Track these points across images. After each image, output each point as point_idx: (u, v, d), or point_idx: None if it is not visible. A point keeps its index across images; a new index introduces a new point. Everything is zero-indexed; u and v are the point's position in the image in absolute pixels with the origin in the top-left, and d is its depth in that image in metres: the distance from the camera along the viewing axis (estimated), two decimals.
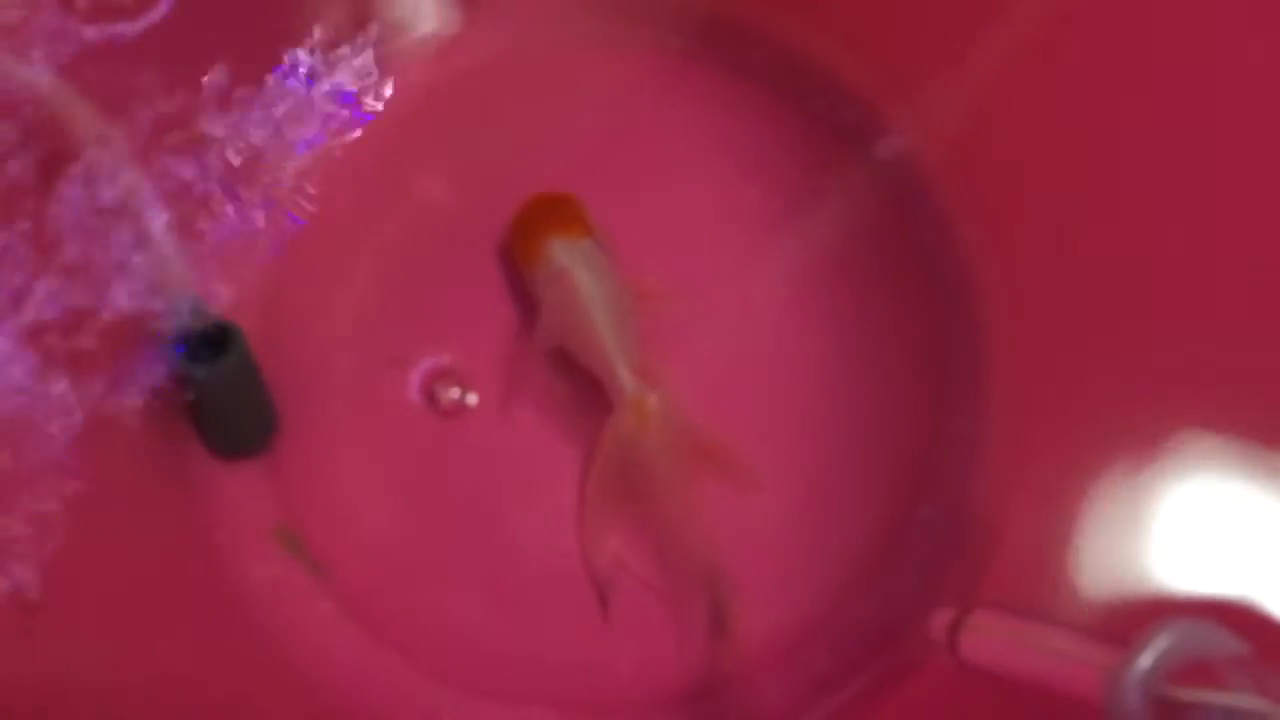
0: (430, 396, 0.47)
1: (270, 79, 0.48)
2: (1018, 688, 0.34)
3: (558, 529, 0.46)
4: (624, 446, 0.45)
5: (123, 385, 0.44)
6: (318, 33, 0.49)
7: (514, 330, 0.48)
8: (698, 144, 0.51)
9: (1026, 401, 0.47)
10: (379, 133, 0.50)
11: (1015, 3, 0.47)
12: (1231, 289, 0.43)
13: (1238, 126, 0.44)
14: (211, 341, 0.43)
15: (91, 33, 0.43)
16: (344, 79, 0.50)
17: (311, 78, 0.49)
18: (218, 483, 0.46)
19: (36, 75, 0.41)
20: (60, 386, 0.42)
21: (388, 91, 0.51)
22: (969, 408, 0.47)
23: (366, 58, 0.50)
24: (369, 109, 0.50)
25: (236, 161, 0.47)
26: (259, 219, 0.48)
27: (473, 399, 0.46)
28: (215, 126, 0.47)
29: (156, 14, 0.44)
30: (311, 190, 0.49)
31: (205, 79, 0.46)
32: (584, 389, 0.46)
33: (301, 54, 0.49)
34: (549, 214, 0.47)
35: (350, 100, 0.50)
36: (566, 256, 0.46)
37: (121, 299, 0.43)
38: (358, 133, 0.50)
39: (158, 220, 0.42)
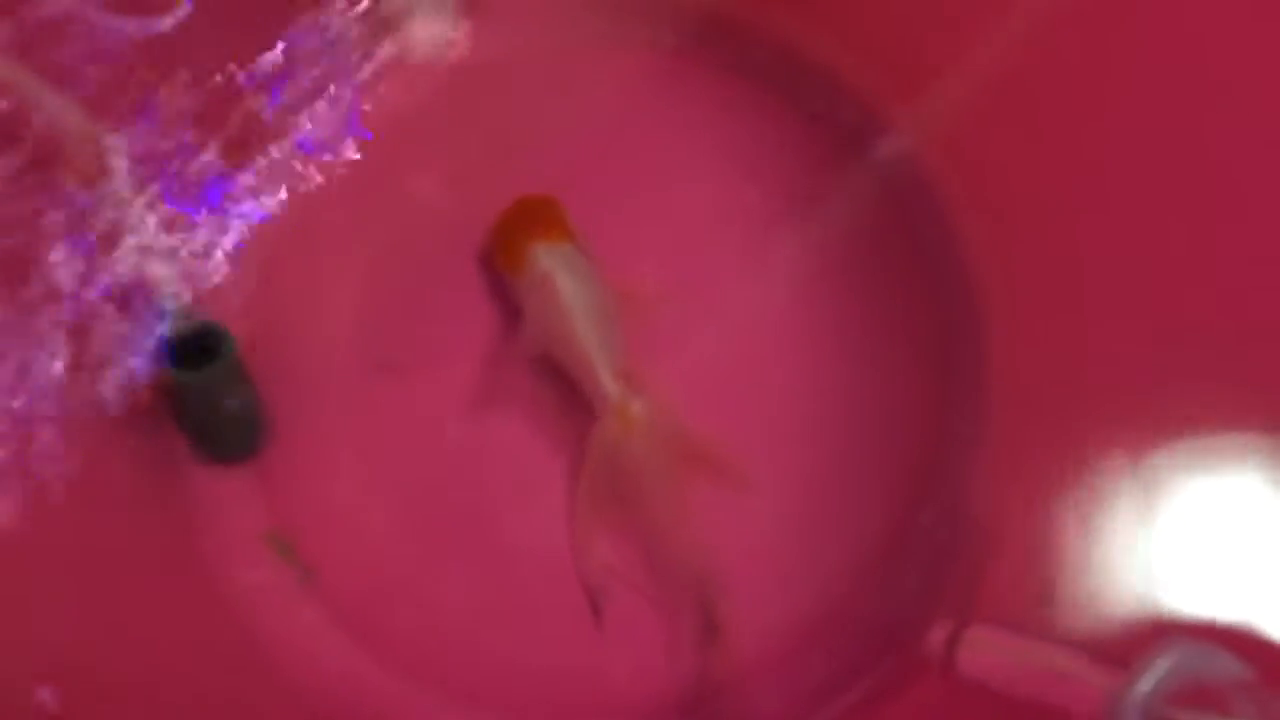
0: None
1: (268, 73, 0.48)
2: (1015, 704, 0.33)
3: (550, 536, 0.46)
4: (610, 453, 0.44)
5: (112, 386, 0.43)
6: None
7: (503, 335, 0.48)
8: (696, 144, 0.50)
9: (1028, 403, 0.46)
10: (372, 133, 0.50)
11: (1015, 1, 0.46)
12: (1236, 286, 0.43)
13: (1238, 122, 0.44)
14: (200, 345, 0.42)
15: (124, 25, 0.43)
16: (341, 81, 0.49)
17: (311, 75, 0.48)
18: (207, 487, 0.45)
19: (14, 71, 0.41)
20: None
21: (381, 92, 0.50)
22: (970, 410, 0.47)
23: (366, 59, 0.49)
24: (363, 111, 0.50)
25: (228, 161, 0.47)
26: (250, 220, 0.47)
27: None
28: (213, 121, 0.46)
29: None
30: (306, 190, 0.48)
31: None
32: (574, 393, 0.46)
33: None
34: (529, 219, 0.47)
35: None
36: (548, 261, 0.45)
37: (109, 301, 0.43)
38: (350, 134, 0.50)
39: (144, 220, 0.41)
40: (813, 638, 0.45)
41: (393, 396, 0.47)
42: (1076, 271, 0.45)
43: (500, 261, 0.47)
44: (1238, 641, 0.34)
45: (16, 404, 0.42)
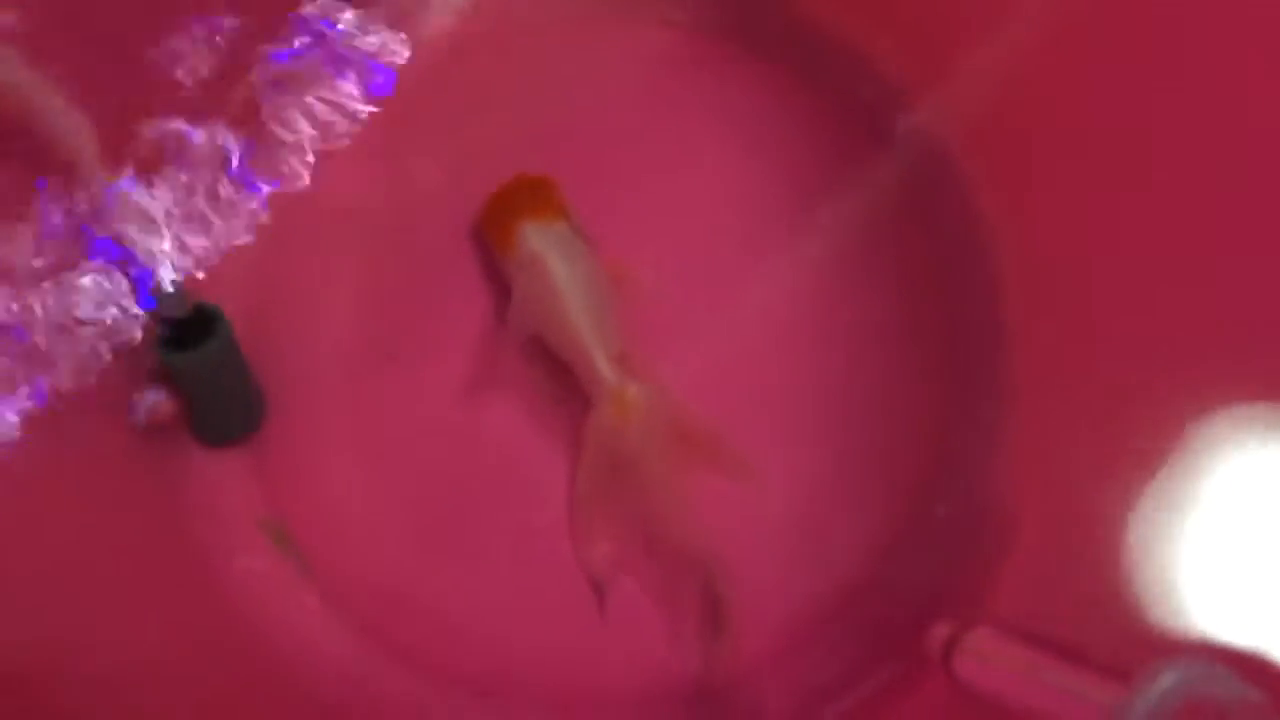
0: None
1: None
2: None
3: (550, 524, 0.45)
4: (608, 440, 0.44)
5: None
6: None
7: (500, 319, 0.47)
8: (707, 125, 0.49)
9: (1048, 392, 0.45)
10: (375, 111, 0.49)
11: None
12: (1264, 270, 0.41)
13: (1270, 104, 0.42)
14: (194, 327, 0.42)
15: None
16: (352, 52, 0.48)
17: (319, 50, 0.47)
18: (203, 471, 0.45)
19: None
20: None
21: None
22: (987, 399, 0.46)
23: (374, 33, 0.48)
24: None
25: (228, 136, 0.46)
26: (251, 198, 0.47)
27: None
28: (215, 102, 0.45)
29: None
30: (304, 170, 0.47)
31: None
32: (571, 378, 0.45)
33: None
34: (521, 198, 0.46)
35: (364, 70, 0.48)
36: (538, 241, 0.44)
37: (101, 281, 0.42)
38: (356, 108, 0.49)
39: (141, 201, 0.40)
40: (821, 632, 0.44)
41: (391, 380, 0.46)
42: (1100, 254, 0.44)
43: (491, 241, 0.46)
44: (1251, 660, 0.32)
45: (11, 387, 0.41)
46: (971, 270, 0.47)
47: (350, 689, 0.44)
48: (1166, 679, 0.27)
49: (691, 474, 0.44)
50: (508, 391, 0.46)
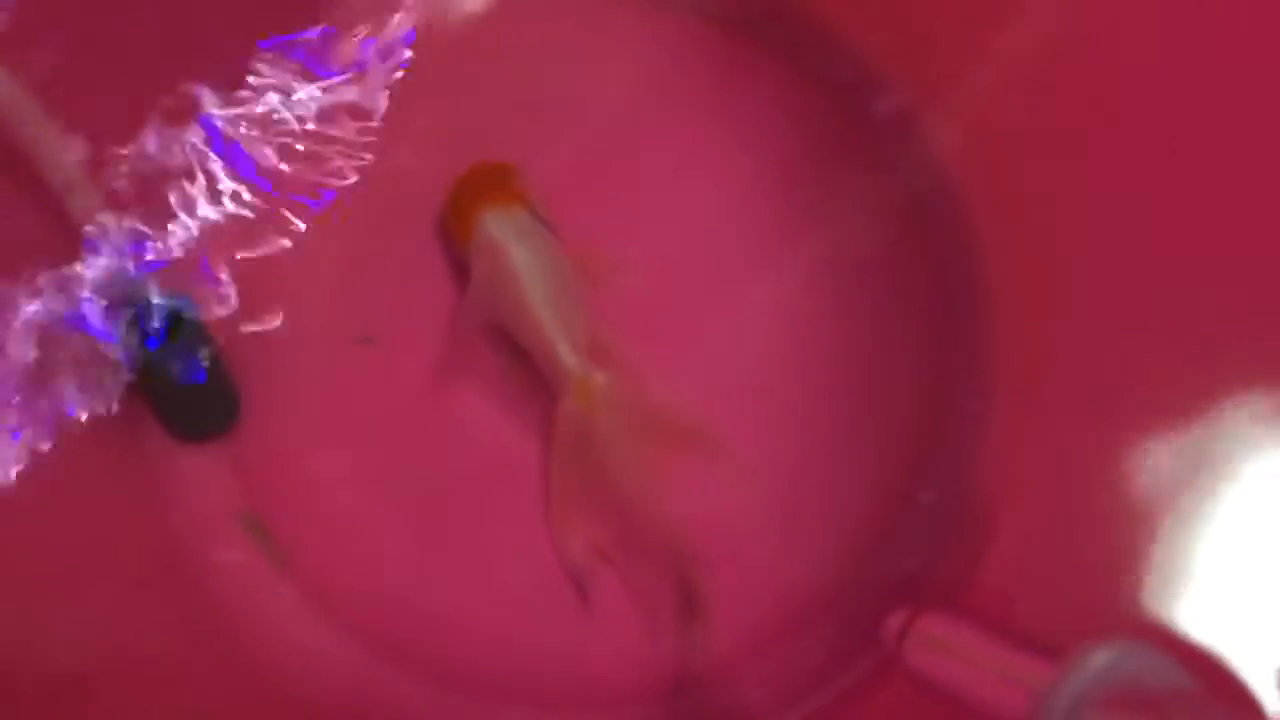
0: None
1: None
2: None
3: (530, 516, 0.44)
4: (577, 429, 0.43)
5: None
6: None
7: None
8: (698, 111, 0.49)
9: (1033, 382, 0.44)
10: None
11: None
12: (1251, 255, 0.41)
13: (1262, 94, 0.41)
14: (163, 320, 0.42)
15: None
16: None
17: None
18: (178, 465, 0.45)
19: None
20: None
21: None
22: (971, 385, 0.45)
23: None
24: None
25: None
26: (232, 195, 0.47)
27: None
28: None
29: None
30: (285, 166, 0.47)
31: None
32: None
33: None
34: (481, 186, 0.45)
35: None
36: (496, 229, 0.44)
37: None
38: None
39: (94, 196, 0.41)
40: (804, 621, 0.43)
41: (369, 372, 0.46)
42: (1086, 252, 0.43)
43: (452, 231, 0.46)
44: (1201, 655, 0.31)
45: None
46: (958, 261, 0.46)
47: (329, 682, 0.43)
48: (1097, 659, 0.26)
49: (668, 460, 0.43)
50: (485, 381, 0.45)
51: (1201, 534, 0.39)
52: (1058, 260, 0.44)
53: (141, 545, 0.44)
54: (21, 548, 0.41)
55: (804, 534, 0.44)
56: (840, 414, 0.45)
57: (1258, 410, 0.39)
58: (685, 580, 0.43)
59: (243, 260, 0.45)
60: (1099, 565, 0.40)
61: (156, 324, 0.42)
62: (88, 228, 0.43)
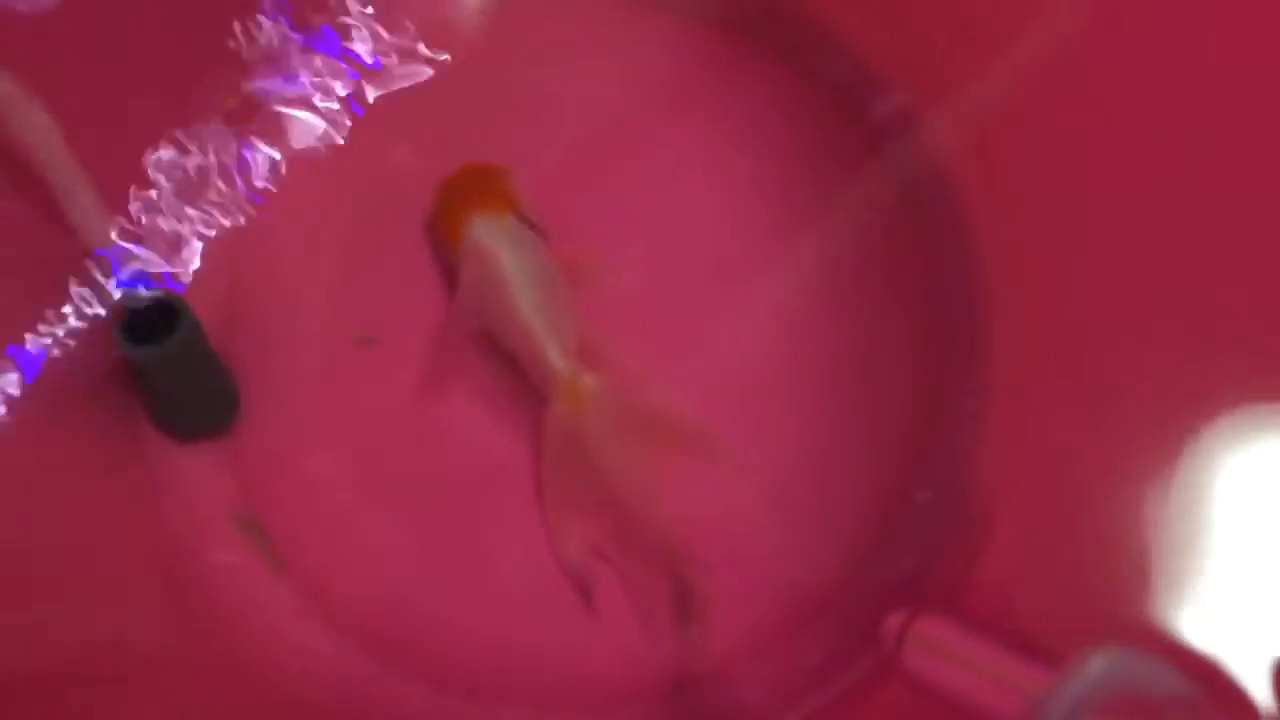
0: None
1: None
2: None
3: (529, 516, 0.44)
4: (566, 432, 0.43)
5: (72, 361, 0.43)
6: None
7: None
8: (696, 114, 0.49)
9: (1031, 381, 0.44)
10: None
11: None
12: (1251, 255, 0.41)
13: (1262, 94, 0.41)
14: (157, 320, 0.41)
15: None
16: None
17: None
18: (175, 465, 0.45)
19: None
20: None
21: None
22: (970, 385, 0.45)
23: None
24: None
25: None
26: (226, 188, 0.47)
27: None
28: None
29: None
30: (282, 161, 0.47)
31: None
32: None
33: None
34: (470, 189, 0.45)
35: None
36: (484, 235, 0.44)
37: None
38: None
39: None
40: (802, 621, 0.43)
41: (366, 373, 0.46)
42: (1084, 252, 0.43)
43: (440, 236, 0.46)
44: (1199, 661, 0.31)
45: None
46: (956, 262, 0.46)
47: (326, 683, 0.43)
48: (1095, 665, 0.25)
49: (665, 461, 0.43)
50: (477, 384, 0.45)
51: (1199, 534, 0.39)
52: (1056, 260, 0.44)
53: (138, 545, 0.44)
54: (18, 547, 0.41)
55: (802, 534, 0.44)
56: (838, 414, 0.45)
57: (1256, 410, 0.39)
58: (681, 580, 0.43)
59: (240, 259, 0.45)
60: (1096, 563, 0.40)
61: (153, 322, 0.42)
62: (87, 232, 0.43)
